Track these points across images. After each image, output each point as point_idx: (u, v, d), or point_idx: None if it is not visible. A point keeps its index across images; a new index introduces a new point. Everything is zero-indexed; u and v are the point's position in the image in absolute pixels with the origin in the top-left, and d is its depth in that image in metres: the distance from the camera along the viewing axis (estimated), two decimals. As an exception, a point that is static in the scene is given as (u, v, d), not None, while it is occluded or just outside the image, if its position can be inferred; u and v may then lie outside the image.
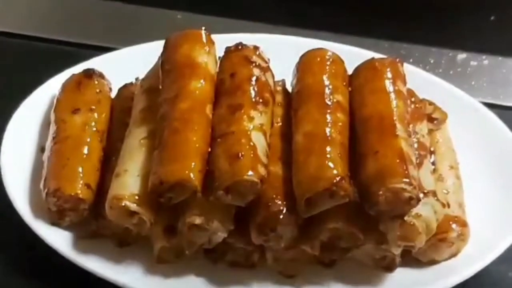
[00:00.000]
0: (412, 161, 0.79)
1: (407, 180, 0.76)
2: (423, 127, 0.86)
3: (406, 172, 0.76)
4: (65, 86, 0.90)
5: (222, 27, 1.02)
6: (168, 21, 1.11)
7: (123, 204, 0.76)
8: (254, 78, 0.84)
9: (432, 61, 1.08)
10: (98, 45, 1.06)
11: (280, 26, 1.09)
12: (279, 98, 0.87)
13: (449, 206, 0.82)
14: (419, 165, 0.81)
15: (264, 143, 0.80)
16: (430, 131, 0.88)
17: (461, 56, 1.09)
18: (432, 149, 0.87)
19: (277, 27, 1.08)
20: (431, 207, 0.78)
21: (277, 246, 0.78)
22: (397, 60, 0.88)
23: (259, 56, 0.86)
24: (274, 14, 1.14)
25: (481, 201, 0.85)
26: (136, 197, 0.77)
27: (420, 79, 0.95)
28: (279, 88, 0.89)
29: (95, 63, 0.94)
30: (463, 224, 0.81)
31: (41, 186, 0.82)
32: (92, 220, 0.81)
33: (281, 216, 0.76)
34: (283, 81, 0.90)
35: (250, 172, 0.75)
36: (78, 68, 0.93)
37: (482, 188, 0.87)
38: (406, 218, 0.76)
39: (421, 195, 0.77)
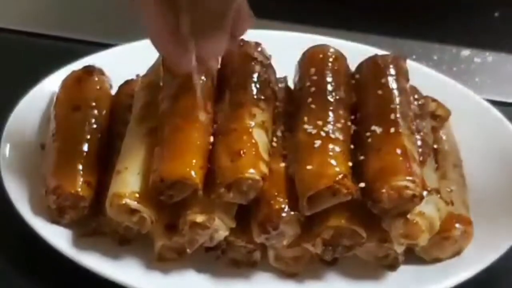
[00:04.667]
0: (415, 158, 0.78)
1: (410, 177, 0.75)
2: (426, 124, 0.86)
3: (409, 169, 0.76)
4: (65, 83, 0.90)
5: (224, 23, 1.02)
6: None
7: (123, 202, 0.76)
8: (255, 75, 0.84)
9: (435, 58, 1.08)
10: (98, 41, 1.05)
11: (281, 22, 1.09)
12: (281, 95, 0.87)
13: (452, 204, 0.81)
14: (422, 162, 0.80)
15: (266, 140, 0.79)
16: (434, 129, 0.88)
17: (465, 52, 1.08)
18: (435, 146, 0.87)
19: (279, 24, 1.08)
20: (435, 205, 0.78)
21: (279, 244, 0.77)
22: (400, 56, 0.88)
23: (261, 52, 0.86)
24: (276, 10, 1.13)
25: (484, 198, 0.85)
26: (137, 195, 0.76)
27: (423, 76, 0.94)
28: (281, 85, 0.88)
29: (95, 59, 0.94)
30: (467, 222, 0.81)
31: (41, 183, 0.81)
32: (92, 218, 0.81)
33: (283, 214, 0.76)
34: (285, 78, 0.90)
35: (251, 170, 0.75)
36: (78, 65, 0.92)
37: (486, 186, 0.86)
38: (409, 216, 0.76)
39: (425, 193, 0.76)
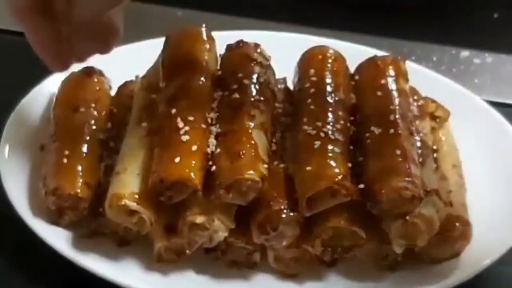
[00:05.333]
0: (415, 159, 0.78)
1: (410, 178, 0.75)
2: (425, 125, 0.86)
3: (409, 170, 0.76)
4: (64, 84, 0.90)
5: (223, 24, 1.02)
6: (169, 18, 1.11)
7: (123, 203, 0.76)
8: (255, 76, 0.84)
9: (434, 59, 1.08)
10: (98, 42, 1.05)
11: (281, 23, 1.09)
12: (280, 96, 0.87)
13: (451, 205, 0.81)
14: (422, 163, 0.80)
15: (265, 141, 0.79)
16: (433, 130, 0.88)
17: (464, 53, 1.08)
18: (434, 147, 0.87)
19: (278, 25, 1.08)
20: (434, 206, 0.78)
21: (278, 245, 0.77)
22: (400, 57, 0.88)
23: (260, 53, 0.86)
24: (275, 12, 1.13)
25: (484, 200, 0.84)
26: (136, 196, 0.76)
27: (423, 77, 0.94)
28: (280, 86, 0.88)
29: (95, 60, 0.93)
30: (466, 223, 0.80)
31: (40, 184, 0.81)
32: (92, 219, 0.80)
33: (283, 215, 0.76)
34: (285, 79, 0.90)
35: (251, 171, 0.75)
36: (77, 66, 0.92)
37: (485, 187, 0.86)
38: (408, 217, 0.76)
39: (424, 194, 0.76)
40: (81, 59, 0.82)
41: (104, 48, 0.80)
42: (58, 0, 0.75)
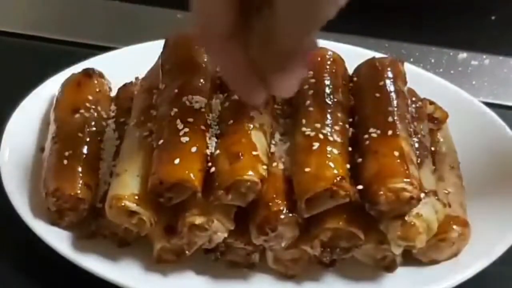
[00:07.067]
0: (413, 160, 0.78)
1: (408, 180, 0.75)
2: (423, 126, 0.86)
3: (407, 171, 0.76)
4: (64, 86, 0.90)
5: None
6: (168, 20, 1.11)
7: (122, 204, 0.76)
8: (254, 78, 0.84)
9: (432, 61, 1.08)
10: (98, 44, 1.06)
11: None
12: (279, 97, 0.87)
13: (450, 206, 0.81)
14: (420, 165, 0.81)
15: (265, 142, 0.80)
16: (431, 131, 0.88)
17: (462, 55, 1.09)
18: (432, 149, 0.87)
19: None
20: (432, 207, 0.78)
21: (277, 246, 0.77)
22: (398, 59, 0.88)
23: (259, 55, 0.86)
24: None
25: (482, 200, 0.85)
26: (136, 197, 0.76)
27: (421, 79, 0.94)
28: (279, 88, 0.89)
29: (95, 62, 0.94)
30: (464, 224, 0.81)
31: (41, 186, 0.81)
32: (92, 220, 0.81)
33: (282, 216, 0.76)
34: (283, 81, 0.90)
35: (250, 172, 0.75)
36: (77, 68, 0.92)
37: (483, 188, 0.86)
38: (406, 218, 0.76)
39: (422, 195, 0.77)
40: (284, 94, 0.73)
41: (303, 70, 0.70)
42: (256, 29, 0.66)
